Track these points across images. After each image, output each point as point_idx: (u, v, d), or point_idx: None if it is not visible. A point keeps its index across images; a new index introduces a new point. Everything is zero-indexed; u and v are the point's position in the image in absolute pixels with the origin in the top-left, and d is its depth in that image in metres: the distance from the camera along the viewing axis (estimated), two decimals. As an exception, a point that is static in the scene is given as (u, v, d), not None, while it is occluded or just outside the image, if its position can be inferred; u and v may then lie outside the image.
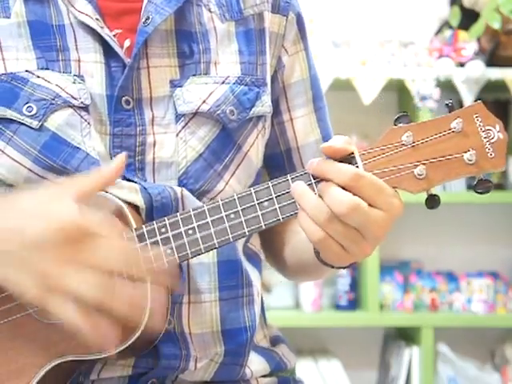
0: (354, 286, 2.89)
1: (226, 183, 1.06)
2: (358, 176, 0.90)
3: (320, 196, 0.91)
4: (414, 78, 2.80)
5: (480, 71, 2.79)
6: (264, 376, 1.12)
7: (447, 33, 2.91)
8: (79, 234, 0.87)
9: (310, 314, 2.84)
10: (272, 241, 1.19)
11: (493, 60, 2.87)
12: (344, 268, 1.02)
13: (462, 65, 2.84)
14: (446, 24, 2.97)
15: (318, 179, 0.93)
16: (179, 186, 1.03)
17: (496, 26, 2.66)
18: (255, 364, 1.10)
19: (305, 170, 0.94)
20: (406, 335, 2.91)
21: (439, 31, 3.00)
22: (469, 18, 2.82)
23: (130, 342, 0.93)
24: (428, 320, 2.81)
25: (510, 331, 3.01)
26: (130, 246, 0.91)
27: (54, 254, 0.86)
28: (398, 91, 3.03)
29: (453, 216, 3.06)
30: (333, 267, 1.01)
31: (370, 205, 0.90)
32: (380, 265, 2.81)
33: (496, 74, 2.82)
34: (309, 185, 0.93)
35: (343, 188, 0.90)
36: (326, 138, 1.17)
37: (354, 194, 0.89)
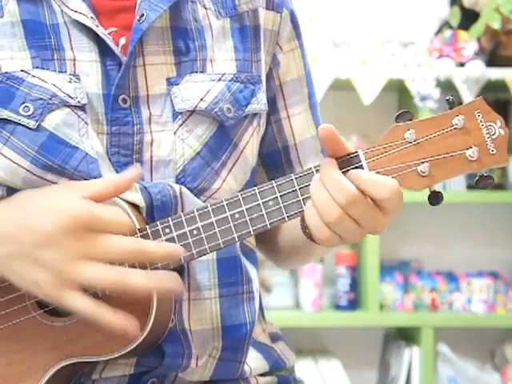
0: (354, 286, 2.89)
1: (224, 181, 1.06)
2: (397, 189, 0.91)
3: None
4: (414, 78, 2.79)
5: (480, 71, 2.79)
6: (263, 375, 1.12)
7: (447, 33, 2.91)
8: (88, 226, 0.89)
9: (309, 313, 2.84)
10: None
11: (493, 60, 2.87)
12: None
13: (462, 65, 2.84)
14: (446, 24, 2.97)
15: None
16: (177, 184, 1.03)
17: (496, 25, 2.66)
18: (253, 361, 1.10)
19: (310, 168, 0.95)
20: (406, 335, 2.91)
21: (439, 31, 3.00)
22: (469, 18, 2.82)
23: (139, 341, 0.94)
24: (428, 320, 2.81)
25: (510, 331, 3.01)
26: (138, 238, 0.93)
27: (64, 249, 0.89)
28: (398, 91, 3.03)
29: (453, 216, 3.06)
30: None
31: (378, 205, 0.92)
32: (380, 265, 2.81)
33: (496, 73, 2.82)
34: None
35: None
36: None
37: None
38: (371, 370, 3.04)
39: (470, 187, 2.87)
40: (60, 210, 0.90)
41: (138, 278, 0.89)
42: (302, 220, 1.01)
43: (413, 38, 2.96)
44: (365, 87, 2.77)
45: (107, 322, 0.89)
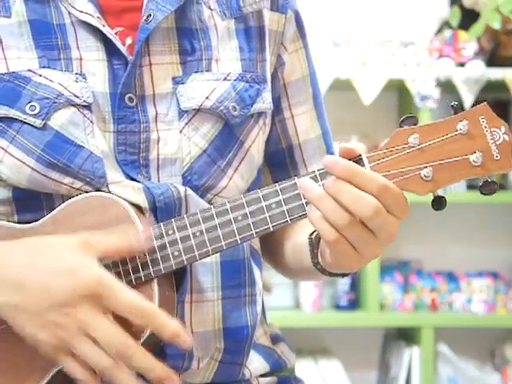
0: (354, 286, 2.89)
1: (230, 179, 1.07)
2: (386, 189, 0.90)
3: (332, 196, 0.90)
4: (414, 78, 2.80)
5: (480, 71, 2.79)
6: (264, 375, 1.11)
7: (447, 33, 2.91)
8: (100, 296, 0.90)
9: (309, 314, 2.84)
10: (270, 239, 1.19)
11: (493, 60, 2.87)
12: (342, 275, 1.02)
13: (462, 65, 2.84)
14: (445, 24, 2.97)
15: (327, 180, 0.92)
16: (183, 182, 1.03)
17: (496, 26, 2.66)
18: (253, 363, 1.10)
19: (313, 171, 0.94)
20: (405, 335, 2.91)
21: (439, 31, 3.00)
22: (469, 17, 2.82)
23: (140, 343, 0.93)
24: (428, 320, 2.81)
25: (510, 331, 3.02)
26: (150, 310, 0.92)
27: (72, 319, 0.90)
28: (398, 91, 3.03)
29: (453, 216, 3.06)
30: (330, 275, 1.02)
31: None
32: (380, 265, 2.81)
33: (496, 74, 2.82)
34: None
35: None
36: (325, 133, 1.19)
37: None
38: (371, 370, 3.04)
39: (470, 187, 2.87)
40: (77, 273, 0.91)
41: (124, 379, 0.90)
42: (313, 257, 1.01)
43: (413, 38, 2.96)
44: (365, 87, 2.77)
45: None
